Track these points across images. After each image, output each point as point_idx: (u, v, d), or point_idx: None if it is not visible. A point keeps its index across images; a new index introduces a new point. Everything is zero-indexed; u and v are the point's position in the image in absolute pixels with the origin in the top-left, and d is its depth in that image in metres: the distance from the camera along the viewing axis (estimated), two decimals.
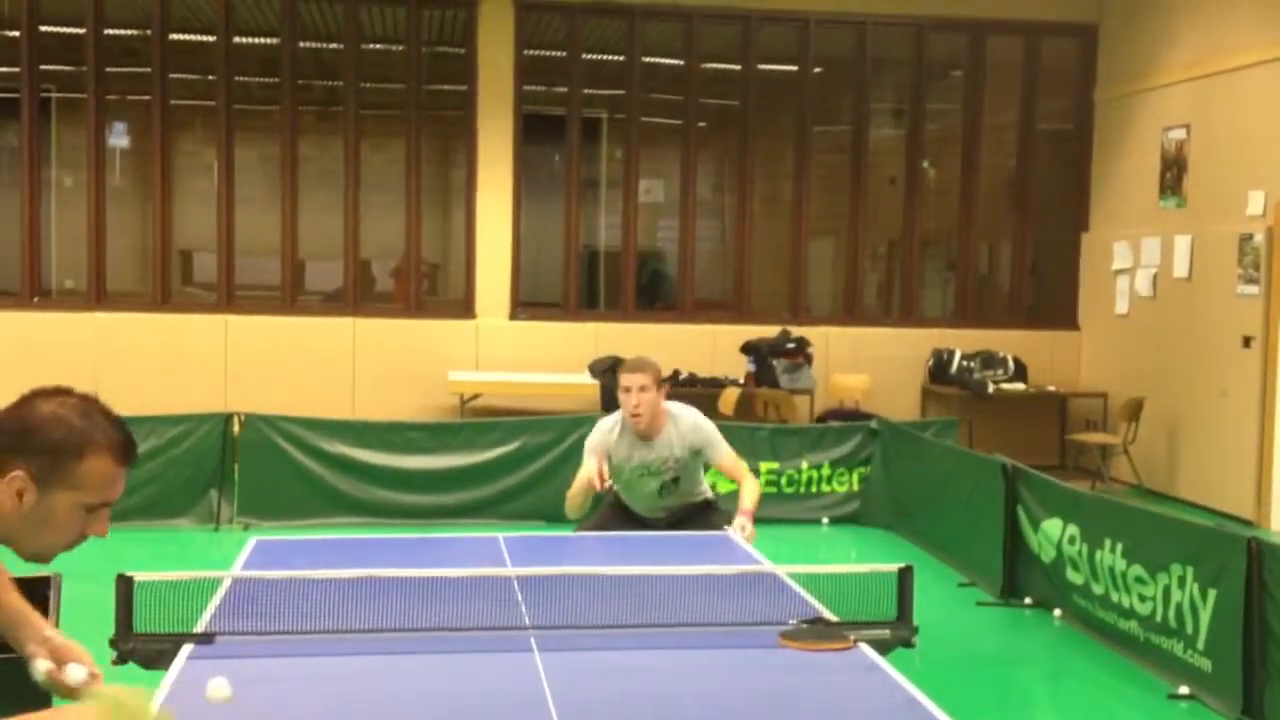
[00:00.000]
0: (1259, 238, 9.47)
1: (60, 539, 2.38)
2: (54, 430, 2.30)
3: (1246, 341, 9.57)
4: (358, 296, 11.69)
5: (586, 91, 12.03)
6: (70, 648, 2.55)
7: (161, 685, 3.18)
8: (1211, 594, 5.49)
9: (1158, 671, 5.84)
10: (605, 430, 5.77)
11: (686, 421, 5.73)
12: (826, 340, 11.59)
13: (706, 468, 5.97)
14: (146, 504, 8.56)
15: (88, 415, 2.35)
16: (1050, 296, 12.43)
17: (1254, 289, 9.51)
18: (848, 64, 12.16)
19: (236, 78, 11.58)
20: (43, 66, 11.37)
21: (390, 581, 3.96)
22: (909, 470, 8.92)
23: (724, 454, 5.77)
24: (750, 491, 5.58)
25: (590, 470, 5.50)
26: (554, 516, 8.78)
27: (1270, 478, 9.39)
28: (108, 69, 11.42)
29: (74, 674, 2.48)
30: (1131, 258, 11.20)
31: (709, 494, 6.02)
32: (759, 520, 5.51)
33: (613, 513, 5.97)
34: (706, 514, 5.87)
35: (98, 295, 11.31)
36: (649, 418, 5.61)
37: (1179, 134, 10.62)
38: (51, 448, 2.29)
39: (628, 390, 5.61)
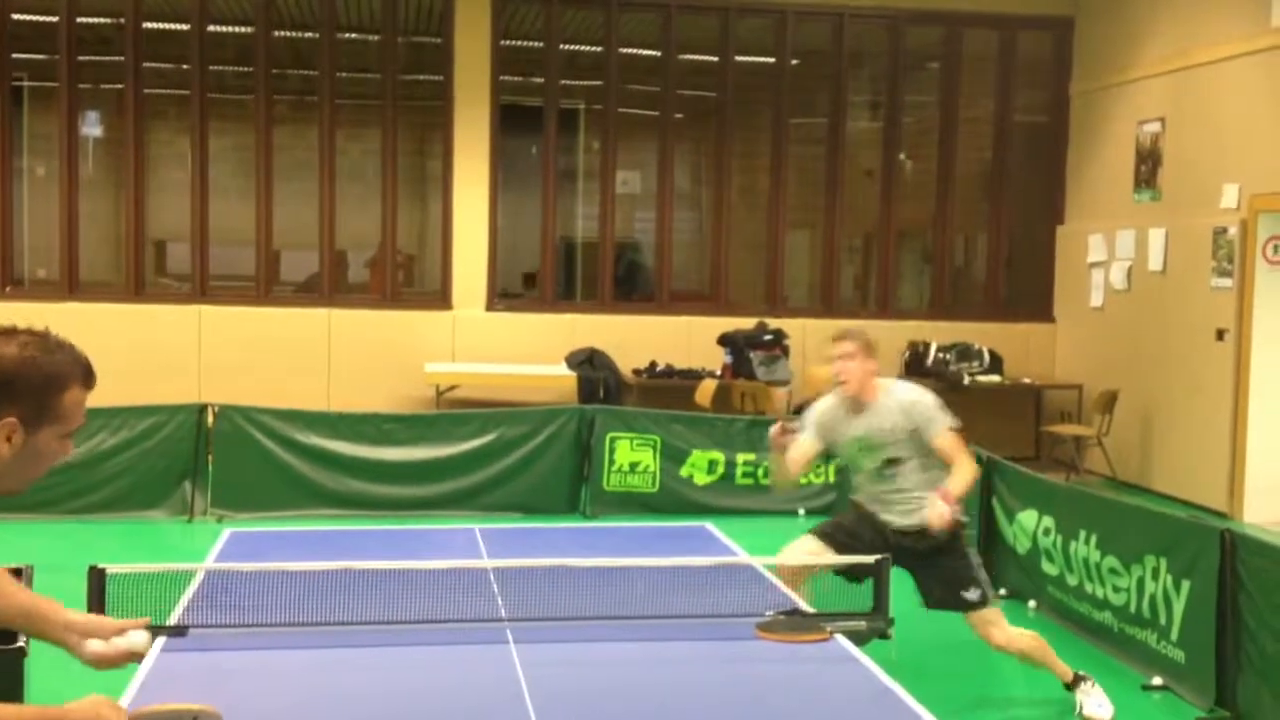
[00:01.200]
0: (1233, 231, 9.52)
1: (40, 471, 2.47)
2: (33, 373, 2.36)
3: (1220, 334, 9.62)
4: (333, 287, 11.64)
5: (564, 82, 12.00)
6: (98, 622, 2.64)
7: (134, 678, 3.16)
8: (1185, 585, 5.52)
9: (1131, 662, 5.87)
10: (824, 404, 5.56)
11: (907, 395, 5.44)
12: (803, 332, 11.59)
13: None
14: (119, 495, 8.51)
15: (51, 349, 2.41)
16: (1026, 289, 12.47)
17: (1228, 282, 9.56)
18: (824, 56, 12.17)
19: (211, 67, 11.50)
20: (14, 55, 11.27)
21: (366, 574, 3.94)
22: None
23: (940, 431, 5.29)
24: (960, 473, 5.18)
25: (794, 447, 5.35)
26: (531, 508, 8.81)
27: (1243, 470, 9.45)
28: (80, 57, 11.33)
29: (137, 639, 2.61)
30: (1106, 251, 11.25)
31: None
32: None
33: (858, 521, 5.54)
34: (952, 550, 5.28)
35: (70, 285, 11.23)
36: (857, 384, 5.35)
37: (1154, 127, 10.66)
38: (35, 390, 2.36)
39: (837, 359, 5.39)
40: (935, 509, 5.00)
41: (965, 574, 5.29)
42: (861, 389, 5.34)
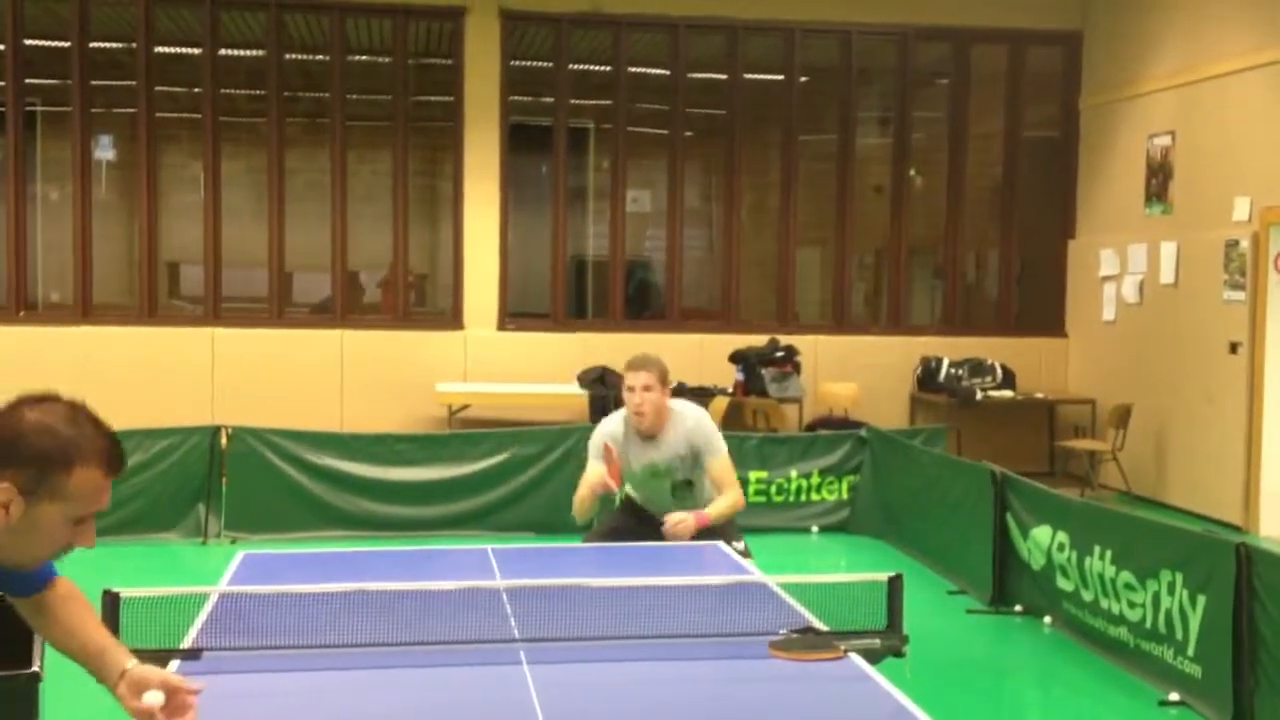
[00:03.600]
0: (1244, 244, 9.50)
1: (45, 550, 2.32)
2: (42, 440, 2.22)
3: (1233, 347, 9.60)
4: (345, 308, 11.67)
5: (573, 102, 12.04)
6: (149, 678, 2.50)
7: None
8: (1201, 600, 5.50)
9: (1148, 678, 5.84)
10: (610, 430, 5.66)
11: (690, 419, 5.65)
12: (815, 349, 11.59)
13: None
14: (133, 518, 8.52)
15: (75, 423, 2.27)
16: (1037, 303, 12.45)
17: (1240, 295, 9.54)
18: (833, 73, 12.19)
19: (223, 90, 11.56)
20: (28, 80, 11.33)
21: (379, 595, 3.94)
22: (898, 478, 8.92)
23: (718, 460, 5.65)
24: (721, 502, 5.57)
25: (598, 474, 5.42)
26: (544, 528, 8.80)
27: (1258, 483, 9.41)
28: (93, 82, 11.39)
29: (150, 699, 2.47)
30: (1118, 264, 11.23)
31: None
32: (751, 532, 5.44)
33: (626, 515, 5.87)
34: (721, 526, 5.68)
35: (84, 308, 11.27)
36: (652, 417, 5.55)
37: (1164, 141, 10.66)
38: (39, 458, 2.22)
39: (632, 389, 5.56)
40: (680, 522, 5.29)
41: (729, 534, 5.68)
42: (656, 421, 5.56)
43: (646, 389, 5.51)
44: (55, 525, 2.26)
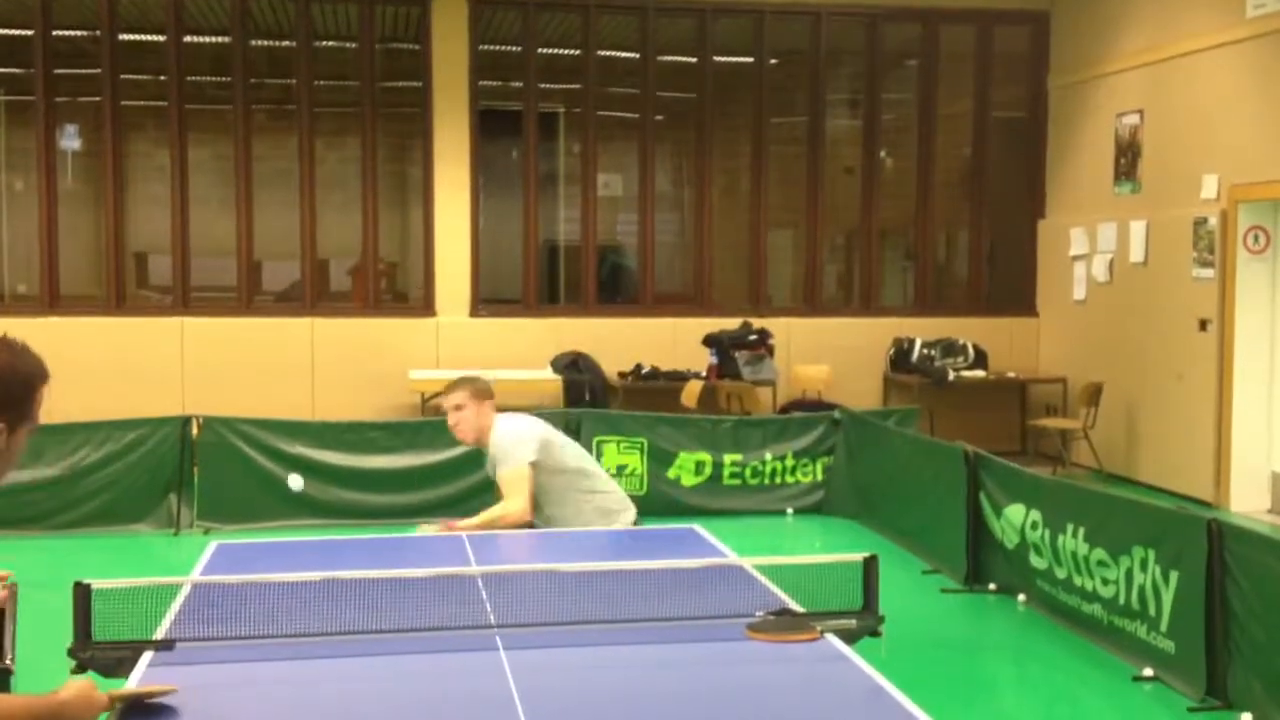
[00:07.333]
0: (1213, 221, 9.55)
1: (15, 464, 2.61)
2: (12, 377, 2.51)
3: (1203, 324, 9.66)
4: (315, 296, 11.60)
5: (543, 86, 11.99)
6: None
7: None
8: (1173, 576, 5.53)
9: (1122, 654, 5.88)
10: None
11: (494, 434, 5.70)
12: (788, 331, 11.60)
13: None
14: (104, 509, 8.46)
15: (17, 353, 2.55)
16: (1008, 283, 12.49)
17: (1209, 272, 9.60)
18: (803, 55, 12.19)
19: (188, 77, 11.46)
20: None
21: (353, 583, 3.92)
22: (872, 460, 8.94)
23: (502, 472, 5.61)
24: (488, 512, 5.57)
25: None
26: None
27: (1228, 459, 9.48)
28: (57, 71, 11.28)
29: None
30: (1088, 244, 11.28)
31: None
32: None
33: None
34: None
35: (51, 300, 11.17)
36: (471, 434, 5.74)
37: (1133, 119, 10.70)
38: (13, 394, 2.51)
39: (445, 412, 5.81)
40: (428, 527, 5.51)
41: None
42: (479, 438, 5.71)
43: (457, 408, 5.73)
44: (22, 444, 2.59)
